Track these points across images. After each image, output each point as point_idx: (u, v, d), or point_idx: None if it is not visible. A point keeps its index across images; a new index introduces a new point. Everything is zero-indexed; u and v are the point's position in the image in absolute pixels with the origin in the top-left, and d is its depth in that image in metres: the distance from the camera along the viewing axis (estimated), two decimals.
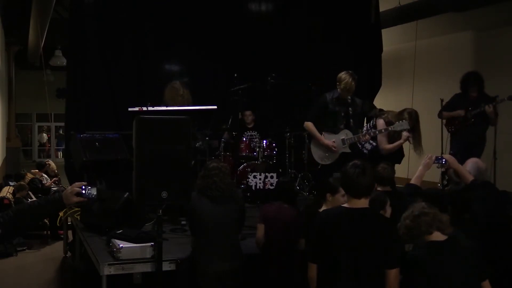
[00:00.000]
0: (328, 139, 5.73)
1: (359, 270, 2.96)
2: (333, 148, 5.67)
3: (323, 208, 3.97)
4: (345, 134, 5.72)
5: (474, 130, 6.72)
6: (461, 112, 6.74)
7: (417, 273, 3.04)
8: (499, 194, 4.39)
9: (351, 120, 5.77)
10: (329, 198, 3.98)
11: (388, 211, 3.87)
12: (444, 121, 6.93)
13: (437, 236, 3.07)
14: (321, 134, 5.79)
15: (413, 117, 5.69)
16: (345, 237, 2.99)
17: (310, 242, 3.23)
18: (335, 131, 5.76)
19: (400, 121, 5.62)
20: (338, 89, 5.72)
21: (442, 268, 2.97)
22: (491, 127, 6.76)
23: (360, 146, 5.99)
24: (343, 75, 5.69)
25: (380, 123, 5.80)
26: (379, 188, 4.34)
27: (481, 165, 4.41)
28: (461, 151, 6.35)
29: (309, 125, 5.84)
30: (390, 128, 5.64)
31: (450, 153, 6.40)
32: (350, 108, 5.78)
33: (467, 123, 6.73)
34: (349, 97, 5.77)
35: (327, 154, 5.74)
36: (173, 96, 6.18)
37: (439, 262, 2.99)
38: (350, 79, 5.63)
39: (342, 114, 5.76)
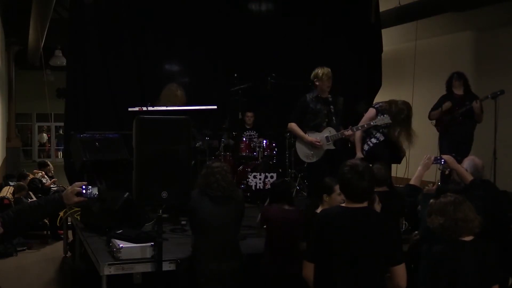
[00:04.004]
0: (311, 137, 5.81)
1: (360, 269, 2.95)
2: (317, 144, 5.73)
3: (320, 209, 3.98)
4: (328, 132, 5.82)
5: (461, 129, 6.81)
6: (448, 104, 6.78)
7: (437, 269, 3.02)
8: (498, 193, 4.38)
9: (334, 118, 5.87)
10: (326, 199, 3.98)
11: (376, 209, 3.87)
12: (433, 121, 7.01)
13: (466, 237, 3.07)
14: (305, 133, 5.86)
15: (404, 112, 5.69)
16: (345, 237, 2.98)
17: (308, 242, 3.20)
18: (318, 129, 5.85)
19: (381, 116, 5.70)
20: (318, 85, 5.83)
21: (464, 267, 2.96)
22: (483, 127, 6.82)
23: (367, 146, 5.98)
24: (316, 69, 5.86)
25: (372, 112, 5.87)
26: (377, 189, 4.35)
27: (477, 162, 4.40)
28: (450, 150, 6.42)
29: (292, 125, 5.95)
30: (372, 123, 5.73)
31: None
32: (331, 106, 5.89)
33: (455, 122, 6.80)
34: (330, 96, 5.89)
35: (312, 152, 5.82)
36: (168, 98, 6.19)
37: (463, 261, 2.98)
38: (326, 69, 5.80)
39: (325, 112, 5.86)
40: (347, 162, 3.11)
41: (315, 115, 5.85)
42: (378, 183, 4.41)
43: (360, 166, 3.04)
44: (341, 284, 2.96)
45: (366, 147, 5.95)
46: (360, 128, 5.81)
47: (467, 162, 4.42)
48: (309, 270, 3.09)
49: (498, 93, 6.64)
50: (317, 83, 5.86)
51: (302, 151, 5.91)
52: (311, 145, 5.80)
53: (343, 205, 3.15)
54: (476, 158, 4.48)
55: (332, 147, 5.80)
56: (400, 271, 2.97)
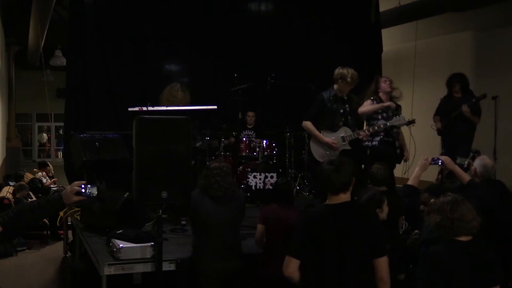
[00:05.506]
0: (327, 138, 5.75)
1: (345, 264, 2.98)
2: (334, 145, 5.69)
3: None
4: (344, 132, 5.76)
5: (458, 130, 6.88)
6: (438, 125, 7.00)
7: (433, 268, 3.03)
8: (502, 194, 4.37)
9: (349, 117, 5.81)
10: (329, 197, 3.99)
11: (385, 210, 3.88)
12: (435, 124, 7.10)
13: (463, 237, 3.07)
14: (319, 132, 5.81)
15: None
16: (328, 233, 3.01)
17: (294, 240, 3.19)
18: (333, 129, 5.78)
19: (397, 116, 5.75)
20: (341, 85, 5.75)
21: (460, 268, 2.97)
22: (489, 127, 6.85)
23: (369, 143, 5.96)
24: (344, 70, 5.73)
25: (368, 102, 5.93)
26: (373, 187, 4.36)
27: (487, 162, 4.41)
28: (450, 151, 6.48)
29: (307, 124, 5.84)
30: (388, 124, 5.72)
31: (441, 153, 6.56)
32: (347, 105, 5.83)
33: (450, 124, 6.87)
34: (345, 95, 5.83)
35: (327, 152, 5.75)
36: (168, 97, 6.18)
37: (459, 261, 2.99)
38: (354, 72, 5.72)
39: (341, 111, 5.80)
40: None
41: (332, 114, 5.77)
42: (377, 183, 4.42)
43: (336, 159, 3.15)
44: (327, 279, 2.98)
45: (369, 144, 5.93)
46: (377, 128, 5.76)
47: (477, 161, 4.44)
48: (292, 266, 3.08)
49: (481, 97, 6.73)
50: (341, 83, 5.75)
51: (316, 151, 5.82)
52: (326, 145, 5.77)
53: (326, 202, 3.16)
54: (487, 158, 4.50)
55: (348, 148, 5.73)
56: (383, 264, 3.01)
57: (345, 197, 3.09)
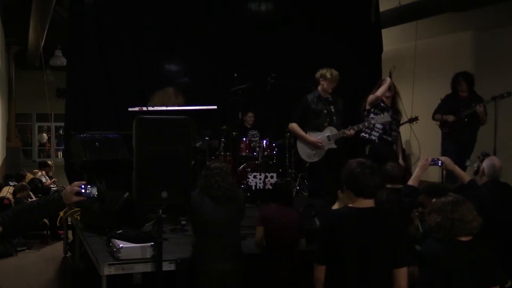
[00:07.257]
0: (312, 137, 5.85)
1: (367, 270, 2.92)
2: (319, 144, 5.76)
3: (336, 205, 4.01)
4: (329, 131, 5.87)
5: (466, 130, 6.80)
6: (450, 118, 6.80)
7: (433, 268, 3.02)
8: (503, 193, 4.37)
9: (334, 118, 5.93)
10: (340, 195, 4.00)
11: None
12: (438, 122, 7.00)
13: (464, 237, 3.07)
14: (306, 133, 5.90)
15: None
16: (352, 237, 2.94)
17: (316, 244, 3.15)
18: (319, 129, 5.90)
19: (382, 114, 5.85)
20: (323, 85, 5.91)
21: (459, 267, 2.97)
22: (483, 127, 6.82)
23: (367, 135, 5.98)
24: (323, 70, 5.93)
25: (371, 98, 6.04)
26: (388, 185, 4.37)
27: (495, 162, 4.43)
28: (455, 151, 6.42)
29: (293, 125, 6.00)
30: (372, 122, 5.83)
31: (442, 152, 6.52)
32: (332, 106, 5.94)
33: (461, 124, 6.77)
34: (330, 96, 5.94)
35: (313, 152, 5.86)
36: (162, 102, 6.17)
37: (458, 261, 2.99)
38: (334, 71, 5.88)
39: (325, 111, 5.92)
40: (351, 160, 3.10)
41: (316, 115, 5.90)
42: (393, 181, 4.42)
43: (367, 162, 3.05)
44: (349, 285, 2.94)
45: (376, 133, 5.92)
46: (361, 126, 5.83)
47: (485, 162, 4.47)
48: (320, 272, 3.05)
49: (505, 95, 6.59)
50: (323, 83, 5.92)
51: (303, 151, 5.94)
52: (312, 145, 5.82)
53: (350, 205, 3.10)
54: (495, 159, 4.52)
55: (334, 146, 5.85)
56: (403, 275, 2.94)
57: (372, 202, 3.04)
